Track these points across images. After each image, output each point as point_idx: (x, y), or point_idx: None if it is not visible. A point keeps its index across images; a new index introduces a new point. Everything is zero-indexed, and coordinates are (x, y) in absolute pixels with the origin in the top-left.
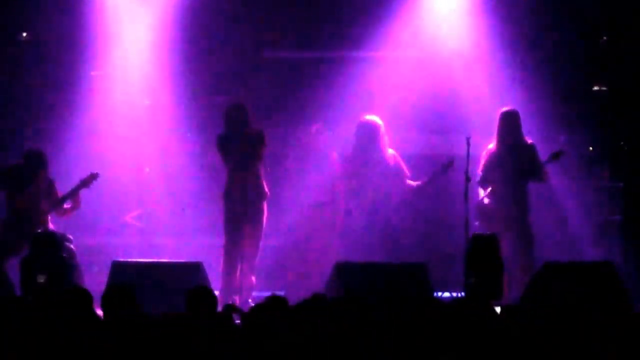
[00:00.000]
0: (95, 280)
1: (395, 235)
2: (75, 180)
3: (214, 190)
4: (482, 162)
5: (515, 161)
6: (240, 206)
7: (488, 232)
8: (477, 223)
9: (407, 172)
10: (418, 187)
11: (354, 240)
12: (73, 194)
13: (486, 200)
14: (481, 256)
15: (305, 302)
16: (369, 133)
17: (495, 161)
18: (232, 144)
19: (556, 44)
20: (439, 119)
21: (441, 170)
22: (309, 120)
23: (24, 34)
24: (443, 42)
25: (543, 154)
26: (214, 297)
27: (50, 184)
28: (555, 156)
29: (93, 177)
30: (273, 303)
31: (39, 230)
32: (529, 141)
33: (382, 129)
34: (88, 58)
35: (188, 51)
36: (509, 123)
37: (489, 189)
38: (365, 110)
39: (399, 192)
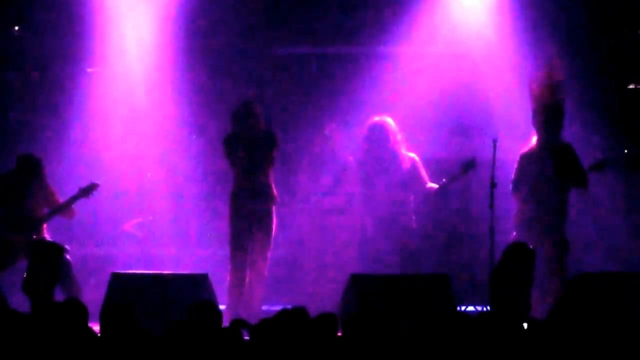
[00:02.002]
0: (93, 293)
1: (415, 244)
2: (70, 185)
3: (221, 197)
4: (517, 166)
5: (554, 164)
6: (248, 212)
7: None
8: (514, 233)
9: (425, 176)
10: (437, 190)
11: (370, 250)
12: (71, 204)
13: (527, 207)
14: (515, 268)
15: (315, 321)
16: (379, 134)
17: (532, 164)
18: (241, 145)
19: (588, 40)
20: (463, 120)
21: (461, 171)
22: (323, 121)
23: (16, 28)
24: (468, 36)
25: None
26: (219, 312)
27: (48, 190)
28: (596, 167)
29: (93, 187)
30: (285, 318)
31: (35, 240)
32: (567, 144)
33: (394, 129)
34: (85, 54)
35: (192, 47)
36: (550, 119)
37: (526, 194)
38: (383, 110)
39: (418, 197)
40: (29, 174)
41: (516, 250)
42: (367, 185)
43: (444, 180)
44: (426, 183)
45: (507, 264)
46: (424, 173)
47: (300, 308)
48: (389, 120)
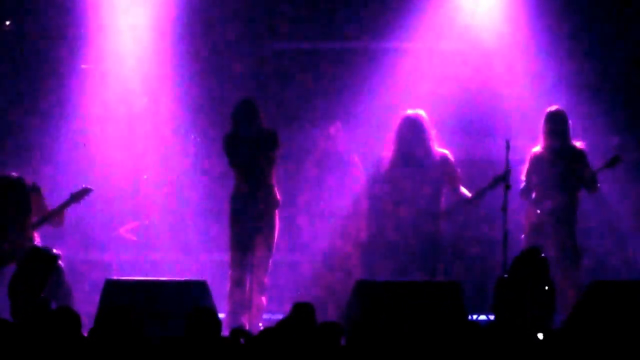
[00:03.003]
0: (86, 301)
1: (438, 248)
2: (63, 186)
3: (220, 200)
4: (526, 167)
5: (563, 167)
6: (249, 216)
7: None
8: (522, 236)
9: (459, 176)
10: (468, 200)
11: (390, 255)
12: (61, 210)
13: (535, 210)
14: (524, 276)
15: (317, 330)
16: (412, 128)
17: (541, 167)
18: (241, 145)
19: (607, 37)
20: (475, 119)
21: (493, 183)
22: (327, 120)
23: (7, 23)
24: (481, 32)
25: (593, 158)
26: (218, 320)
27: (38, 196)
28: (611, 163)
29: (85, 191)
30: (299, 312)
31: (25, 246)
32: (579, 146)
33: (429, 124)
34: (79, 49)
35: (191, 43)
36: (556, 124)
37: (535, 198)
38: (391, 109)
39: (447, 198)
40: (19, 195)
41: (527, 257)
42: (392, 186)
43: (472, 193)
44: (459, 185)
45: (516, 271)
46: (457, 173)
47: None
48: (424, 114)
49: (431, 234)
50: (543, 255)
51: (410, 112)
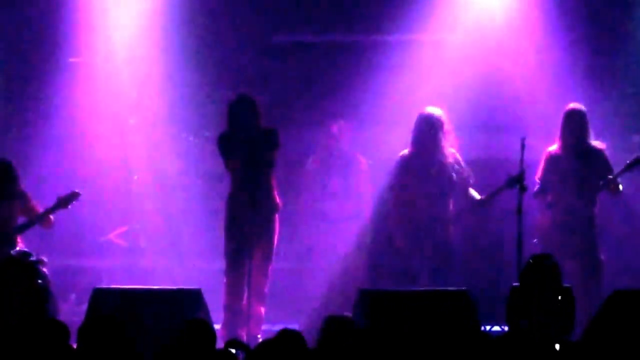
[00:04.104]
0: (73, 311)
1: (449, 255)
2: (50, 186)
3: (216, 203)
4: (542, 167)
5: (582, 168)
6: (246, 221)
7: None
8: (535, 240)
9: (469, 178)
10: (478, 202)
11: (395, 260)
12: (48, 215)
13: (551, 214)
14: (534, 283)
15: (325, 332)
16: (431, 129)
17: (557, 167)
18: (238, 145)
19: (625, 31)
20: (487, 116)
21: (506, 185)
22: (330, 118)
23: None
24: (492, 24)
25: (612, 157)
26: (213, 331)
27: (23, 196)
28: (631, 165)
29: (74, 196)
30: (284, 339)
31: (8, 251)
32: (598, 145)
33: (445, 123)
34: (66, 42)
35: (185, 36)
36: (575, 123)
37: (550, 200)
38: (397, 105)
39: (457, 202)
40: (2, 182)
41: (536, 264)
42: (402, 189)
43: (484, 194)
44: (469, 187)
45: (526, 279)
46: (467, 175)
47: (295, 332)
48: (440, 112)
49: (442, 240)
50: (552, 261)
51: (429, 109)
